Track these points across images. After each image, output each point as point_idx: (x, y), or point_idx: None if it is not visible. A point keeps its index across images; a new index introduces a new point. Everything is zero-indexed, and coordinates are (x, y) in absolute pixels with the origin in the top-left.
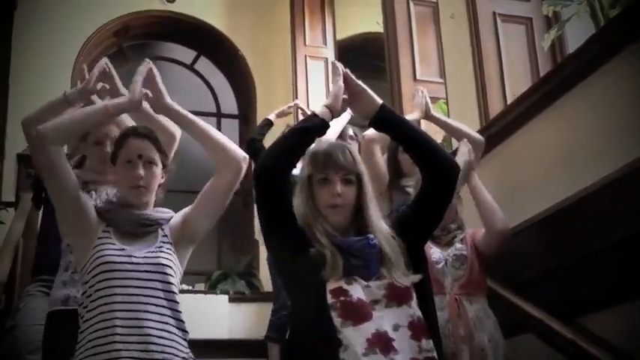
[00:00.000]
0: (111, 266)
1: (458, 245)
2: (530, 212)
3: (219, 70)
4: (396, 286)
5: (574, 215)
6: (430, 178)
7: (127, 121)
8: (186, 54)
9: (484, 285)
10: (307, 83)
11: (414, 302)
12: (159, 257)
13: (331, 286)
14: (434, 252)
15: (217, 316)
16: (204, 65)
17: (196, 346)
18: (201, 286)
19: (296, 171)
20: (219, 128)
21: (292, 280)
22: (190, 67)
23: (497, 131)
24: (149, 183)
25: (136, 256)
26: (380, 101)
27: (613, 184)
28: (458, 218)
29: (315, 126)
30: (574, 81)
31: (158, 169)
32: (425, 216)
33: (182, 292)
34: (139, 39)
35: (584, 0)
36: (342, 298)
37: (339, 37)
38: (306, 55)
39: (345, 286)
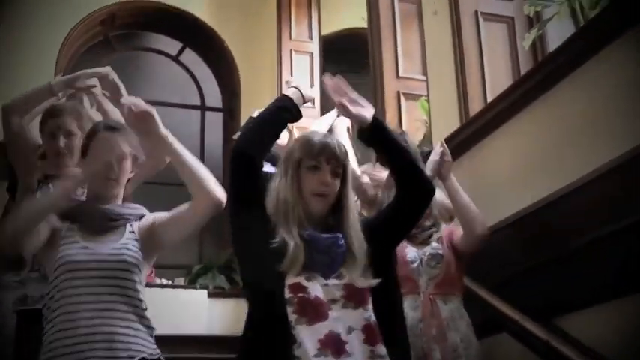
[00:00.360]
0: (74, 265)
1: (434, 244)
2: (509, 210)
3: (204, 63)
4: (354, 287)
5: (552, 214)
6: (406, 195)
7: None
8: (172, 45)
9: (460, 284)
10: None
11: (369, 306)
12: (124, 254)
13: (290, 280)
14: (409, 251)
15: (196, 311)
16: (190, 57)
17: (174, 341)
18: (180, 281)
19: (270, 169)
20: (203, 121)
21: (251, 269)
22: (175, 59)
23: (477, 129)
24: (119, 176)
25: (100, 254)
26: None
27: (592, 183)
28: (432, 215)
29: (290, 106)
30: (554, 79)
31: (128, 163)
32: (396, 225)
33: (161, 286)
34: (125, 29)
35: (565, 1)
36: (299, 294)
37: (325, 31)
38: (291, 50)
39: (305, 283)
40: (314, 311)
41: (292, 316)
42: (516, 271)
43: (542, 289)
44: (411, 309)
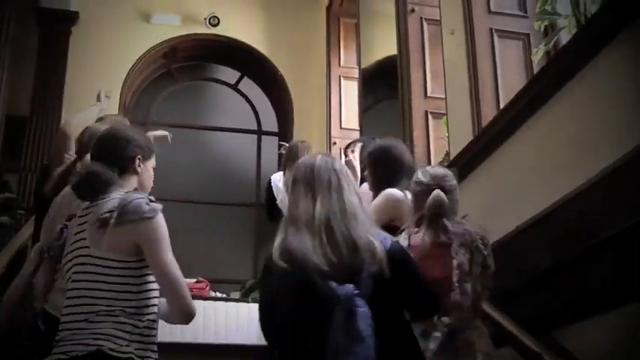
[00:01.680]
0: None
1: None
2: (515, 222)
3: (261, 90)
4: None
5: (552, 223)
6: None
7: None
8: (230, 74)
9: None
10: (340, 102)
11: None
12: None
13: None
14: None
15: (249, 323)
16: (247, 85)
17: (229, 350)
18: (237, 295)
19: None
20: (259, 145)
21: None
22: (234, 87)
23: (488, 141)
24: None
25: None
26: None
27: (589, 190)
28: None
29: None
30: (551, 91)
31: None
32: None
33: (214, 299)
34: (186, 60)
35: (571, 15)
36: None
37: (375, 58)
38: (340, 76)
39: None
40: None
41: None
42: (519, 282)
43: (542, 302)
44: None
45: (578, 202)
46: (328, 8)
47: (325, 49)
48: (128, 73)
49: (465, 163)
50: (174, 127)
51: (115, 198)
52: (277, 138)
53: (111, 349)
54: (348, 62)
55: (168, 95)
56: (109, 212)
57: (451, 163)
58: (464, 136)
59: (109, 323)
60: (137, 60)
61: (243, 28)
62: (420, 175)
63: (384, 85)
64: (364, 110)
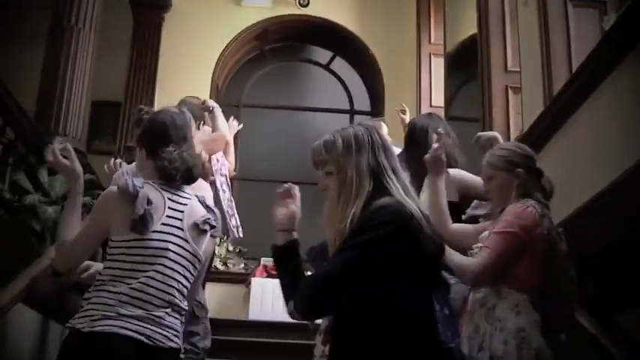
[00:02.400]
0: None
1: None
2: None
3: (354, 70)
4: None
5: (614, 203)
6: None
7: None
8: (322, 54)
9: None
10: (430, 80)
11: None
12: None
13: None
14: None
15: None
16: (340, 65)
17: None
18: None
19: None
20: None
21: None
22: (326, 67)
23: (557, 112)
24: None
25: None
26: None
27: None
28: None
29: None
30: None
31: None
32: None
33: None
34: (277, 42)
35: None
36: None
37: (463, 36)
38: (430, 53)
39: None
40: None
41: None
42: (581, 262)
43: (603, 283)
44: None
45: None
46: None
47: (415, 26)
48: (220, 56)
49: (536, 138)
50: (267, 108)
51: (196, 198)
52: (370, 117)
53: (181, 351)
54: (438, 40)
55: (260, 77)
56: (215, 220)
57: (522, 139)
58: (536, 110)
59: (178, 321)
60: (229, 43)
61: (333, 7)
62: (532, 152)
63: (473, 65)
64: (454, 91)
